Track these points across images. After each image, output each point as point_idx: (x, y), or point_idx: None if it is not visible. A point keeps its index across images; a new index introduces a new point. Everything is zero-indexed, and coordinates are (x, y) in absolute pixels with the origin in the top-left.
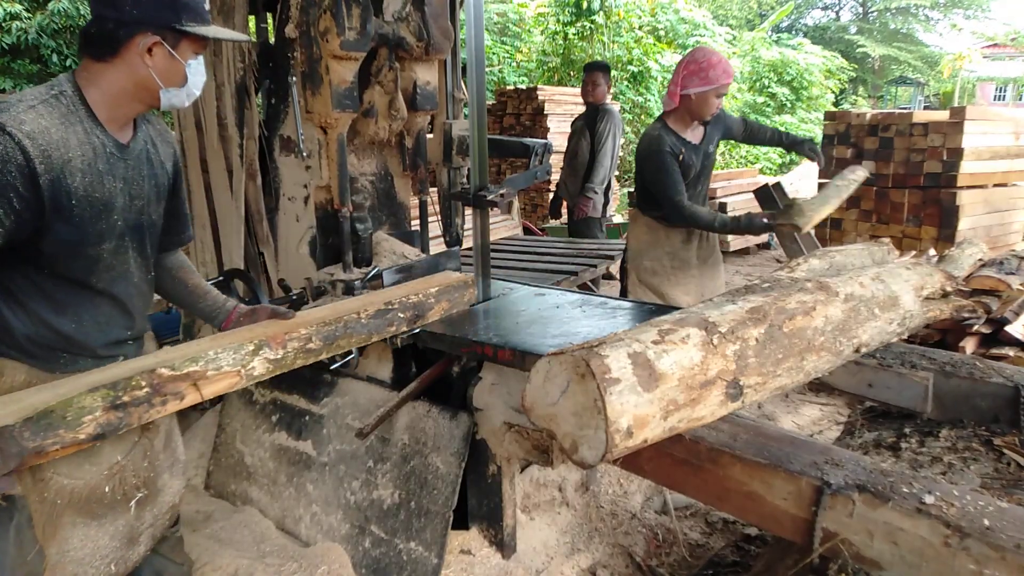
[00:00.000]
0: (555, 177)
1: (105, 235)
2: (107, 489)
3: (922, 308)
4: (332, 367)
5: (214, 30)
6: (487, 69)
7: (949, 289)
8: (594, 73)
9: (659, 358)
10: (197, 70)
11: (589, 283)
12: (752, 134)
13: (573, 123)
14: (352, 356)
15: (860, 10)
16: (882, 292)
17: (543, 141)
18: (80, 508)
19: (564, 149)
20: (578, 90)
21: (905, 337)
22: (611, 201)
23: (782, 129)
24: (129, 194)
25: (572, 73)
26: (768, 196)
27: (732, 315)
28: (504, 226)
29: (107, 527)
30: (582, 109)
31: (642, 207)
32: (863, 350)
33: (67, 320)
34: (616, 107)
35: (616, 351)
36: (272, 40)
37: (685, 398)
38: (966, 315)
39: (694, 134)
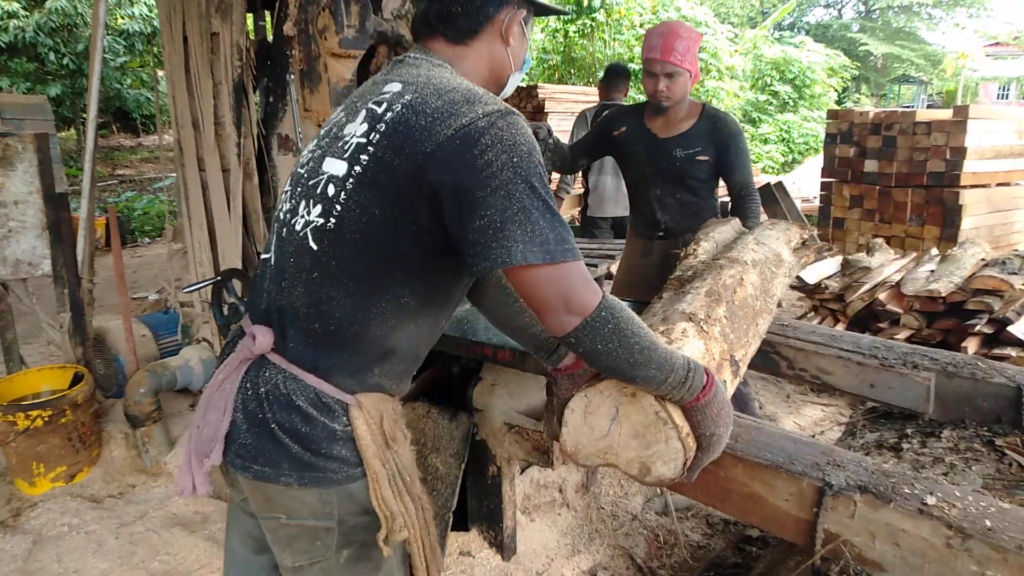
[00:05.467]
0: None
1: None
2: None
3: (796, 258)
4: None
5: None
6: None
7: (806, 237)
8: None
9: None
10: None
11: None
12: (735, 200)
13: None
14: None
15: (863, 8)
16: (770, 252)
17: (543, 137)
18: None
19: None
20: (579, 88)
21: (788, 286)
22: None
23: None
24: None
25: (572, 71)
26: (770, 195)
27: (698, 302)
28: None
29: None
30: (582, 107)
31: None
32: (782, 304)
33: (437, 334)
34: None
35: None
36: (270, 38)
37: None
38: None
39: (662, 128)
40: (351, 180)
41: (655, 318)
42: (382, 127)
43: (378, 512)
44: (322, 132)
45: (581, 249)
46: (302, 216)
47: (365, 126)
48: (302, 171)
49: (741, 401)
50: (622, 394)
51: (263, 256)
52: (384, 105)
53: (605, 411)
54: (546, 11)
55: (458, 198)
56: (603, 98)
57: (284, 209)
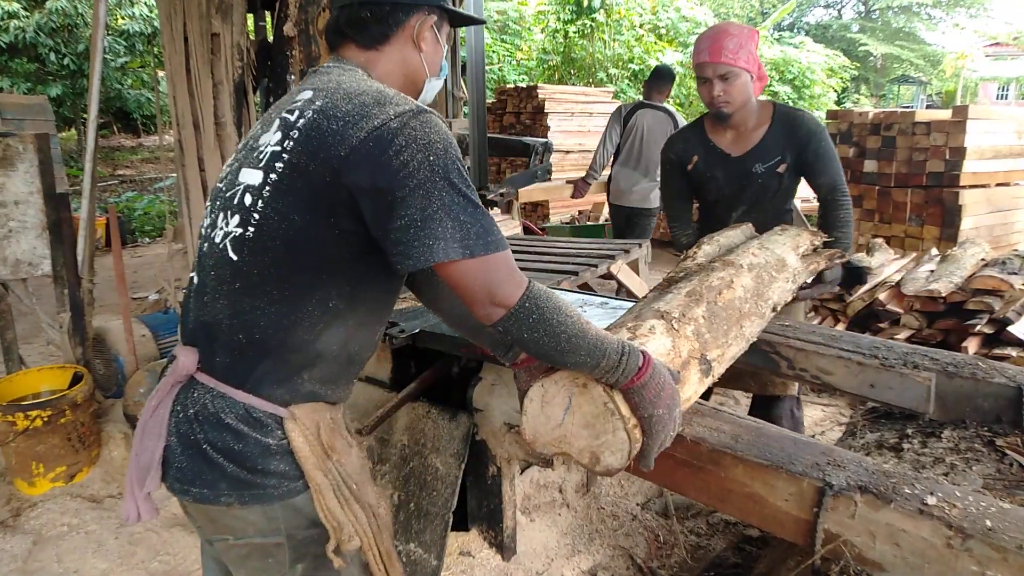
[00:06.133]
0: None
1: None
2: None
3: (803, 264)
4: None
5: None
6: (487, 67)
7: (817, 243)
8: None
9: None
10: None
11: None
12: (823, 207)
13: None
14: None
15: (862, 8)
16: (772, 257)
17: (543, 140)
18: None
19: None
20: (578, 88)
21: (794, 291)
22: None
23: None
24: None
25: (572, 71)
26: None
27: (676, 301)
28: (504, 226)
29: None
30: (583, 107)
31: None
32: (778, 309)
33: (376, 339)
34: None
35: None
36: (270, 38)
37: None
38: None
39: (734, 142)
40: (267, 188)
41: (629, 315)
42: (295, 134)
43: (325, 523)
44: (239, 146)
45: (582, 250)
46: (220, 228)
47: (279, 135)
48: (221, 185)
49: (790, 426)
50: (575, 384)
51: (190, 275)
52: (296, 113)
53: (560, 401)
54: (461, 20)
55: (377, 200)
56: (645, 98)
57: (205, 224)
